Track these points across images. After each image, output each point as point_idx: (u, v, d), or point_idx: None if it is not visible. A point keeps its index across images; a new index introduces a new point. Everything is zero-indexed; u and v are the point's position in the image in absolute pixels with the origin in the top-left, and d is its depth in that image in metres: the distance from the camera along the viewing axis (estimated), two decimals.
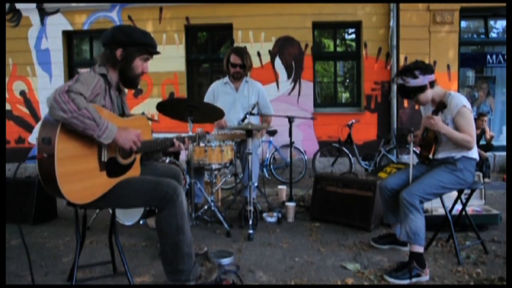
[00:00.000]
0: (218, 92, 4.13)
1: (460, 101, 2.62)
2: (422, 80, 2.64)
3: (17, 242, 3.19)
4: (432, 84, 2.69)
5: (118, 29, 2.18)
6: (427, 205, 3.33)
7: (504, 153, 6.76)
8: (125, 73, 2.16)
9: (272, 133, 6.56)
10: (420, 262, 2.46)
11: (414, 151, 2.90)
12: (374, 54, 6.94)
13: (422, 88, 2.66)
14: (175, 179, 2.23)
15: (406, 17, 6.73)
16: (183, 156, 4.92)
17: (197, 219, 3.60)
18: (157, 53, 2.25)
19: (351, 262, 2.71)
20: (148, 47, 2.17)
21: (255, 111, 3.83)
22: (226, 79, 4.13)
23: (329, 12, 6.91)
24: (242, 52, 3.97)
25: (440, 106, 2.61)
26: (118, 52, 2.11)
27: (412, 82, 2.65)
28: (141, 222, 3.49)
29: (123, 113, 2.29)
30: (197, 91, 7.54)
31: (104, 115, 1.94)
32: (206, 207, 3.64)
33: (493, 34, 7.19)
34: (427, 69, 2.66)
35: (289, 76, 7.06)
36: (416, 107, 6.32)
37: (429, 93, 2.69)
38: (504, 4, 6.10)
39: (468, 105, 2.63)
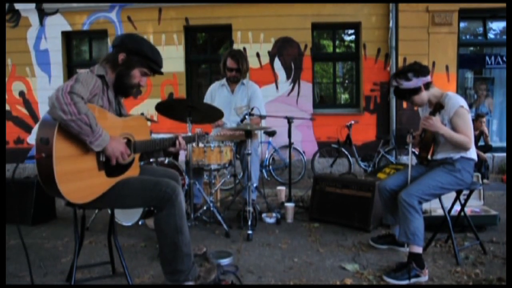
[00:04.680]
0: (215, 94, 4.15)
1: (457, 101, 2.62)
2: (415, 82, 2.66)
3: (16, 242, 3.18)
4: (427, 86, 2.70)
5: (129, 36, 2.22)
6: (426, 205, 3.34)
7: (502, 154, 6.77)
8: (121, 78, 2.16)
9: (271, 134, 6.57)
10: (419, 263, 2.46)
11: (413, 152, 2.91)
12: (373, 55, 6.95)
13: (416, 90, 2.69)
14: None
15: (405, 18, 6.74)
16: (182, 156, 4.93)
17: (196, 219, 3.60)
18: (160, 73, 2.26)
19: (350, 263, 2.71)
20: (150, 63, 2.18)
21: (254, 112, 3.83)
22: (224, 81, 4.14)
23: (328, 13, 6.92)
24: (238, 56, 3.92)
25: (438, 107, 2.62)
26: (120, 56, 2.13)
27: (405, 84, 2.68)
28: (140, 222, 3.49)
29: (120, 114, 2.29)
30: (196, 91, 7.55)
31: (103, 116, 1.94)
32: (205, 207, 3.64)
33: (491, 35, 7.20)
34: (421, 71, 2.68)
35: (288, 77, 7.07)
36: (415, 108, 6.34)
37: (424, 95, 2.71)
38: (503, 5, 6.11)
39: (466, 105, 2.64)
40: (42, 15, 7.17)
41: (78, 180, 1.87)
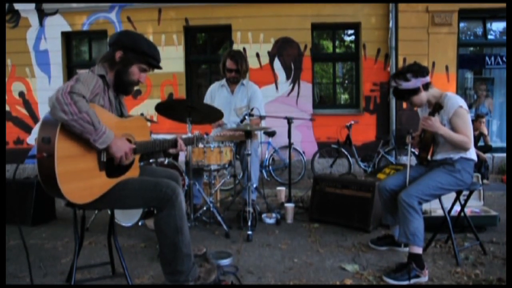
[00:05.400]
0: (215, 94, 4.15)
1: (456, 101, 2.63)
2: (414, 83, 2.67)
3: (16, 243, 3.18)
4: (426, 86, 2.71)
5: (125, 33, 2.21)
6: (426, 206, 3.34)
7: (502, 155, 6.77)
8: (120, 76, 2.16)
9: (271, 134, 6.57)
10: (419, 263, 2.46)
11: (412, 152, 2.92)
12: (373, 55, 6.96)
13: (415, 91, 2.69)
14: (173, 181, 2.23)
15: (405, 19, 6.75)
16: (182, 157, 4.93)
17: (196, 220, 3.60)
18: (158, 67, 2.25)
19: (350, 263, 2.71)
20: (148, 58, 2.17)
21: (254, 112, 3.83)
22: (223, 81, 4.14)
23: (328, 13, 6.92)
24: (237, 57, 3.92)
25: (437, 107, 2.62)
26: (117, 54, 2.12)
27: (404, 85, 2.69)
28: (140, 223, 3.49)
29: (121, 114, 2.29)
30: (196, 92, 7.55)
31: (103, 116, 1.94)
32: (205, 208, 3.64)
33: (491, 36, 7.21)
34: (420, 71, 2.69)
35: (288, 77, 7.07)
36: (415, 108, 6.35)
37: (423, 96, 2.72)
38: (503, 5, 6.12)
39: (465, 105, 2.64)
40: (42, 15, 7.17)
41: (79, 180, 1.87)
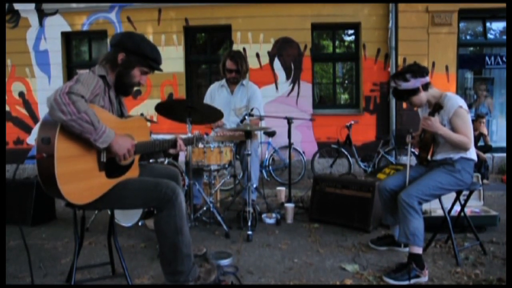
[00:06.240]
0: (215, 95, 4.15)
1: (456, 102, 2.63)
2: (413, 83, 2.67)
3: (16, 243, 3.18)
4: (425, 86, 2.71)
5: (128, 34, 2.20)
6: (426, 206, 3.34)
7: (502, 155, 6.77)
8: (121, 78, 2.16)
9: (271, 134, 6.57)
10: (419, 263, 2.46)
11: (413, 152, 2.93)
12: (373, 55, 6.95)
13: (414, 91, 2.70)
14: (173, 181, 2.23)
15: (405, 19, 6.75)
16: (182, 157, 4.93)
17: (196, 220, 3.60)
18: (159, 69, 2.26)
19: (350, 263, 2.71)
20: (150, 61, 2.17)
21: (254, 112, 3.83)
22: (223, 81, 4.14)
23: (328, 13, 6.92)
24: (237, 57, 3.92)
25: (437, 107, 2.62)
26: (120, 56, 2.12)
27: (403, 85, 2.70)
28: (140, 223, 3.49)
29: (121, 114, 2.29)
30: (196, 92, 7.54)
31: (103, 116, 1.93)
32: (205, 208, 3.64)
33: (491, 36, 7.21)
34: (420, 72, 2.69)
35: (288, 77, 7.07)
36: (415, 108, 6.35)
37: (422, 96, 2.72)
38: (503, 5, 6.12)
39: (465, 105, 2.64)
40: (42, 15, 7.17)
41: (79, 180, 1.87)
